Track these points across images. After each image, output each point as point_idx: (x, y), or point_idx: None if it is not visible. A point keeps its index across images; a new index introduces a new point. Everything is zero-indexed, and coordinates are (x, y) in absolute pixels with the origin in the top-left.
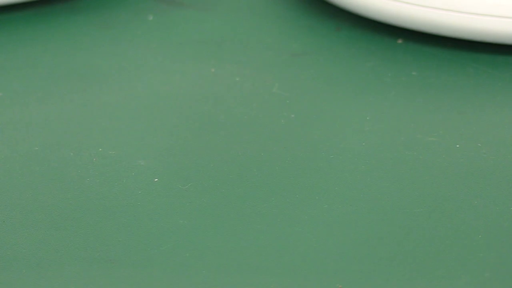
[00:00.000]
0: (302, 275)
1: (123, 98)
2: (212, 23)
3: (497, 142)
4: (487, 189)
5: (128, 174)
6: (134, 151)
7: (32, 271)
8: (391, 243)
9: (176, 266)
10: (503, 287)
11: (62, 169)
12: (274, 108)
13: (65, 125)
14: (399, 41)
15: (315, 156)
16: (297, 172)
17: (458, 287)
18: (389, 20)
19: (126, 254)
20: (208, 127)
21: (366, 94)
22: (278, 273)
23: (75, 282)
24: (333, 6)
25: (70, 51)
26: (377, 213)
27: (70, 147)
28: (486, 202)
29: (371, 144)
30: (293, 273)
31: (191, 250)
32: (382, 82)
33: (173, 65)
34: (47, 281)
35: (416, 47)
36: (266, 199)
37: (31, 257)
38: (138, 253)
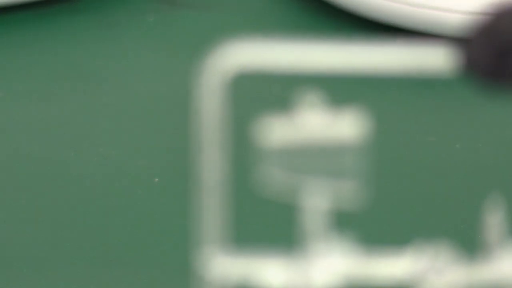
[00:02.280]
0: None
1: (123, 98)
2: (212, 23)
3: (497, 142)
4: (488, 189)
5: (128, 174)
6: (134, 151)
7: (32, 271)
8: (391, 243)
9: (176, 266)
10: None
11: (62, 169)
12: None
13: (65, 125)
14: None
15: None
16: None
17: None
18: (389, 20)
19: (126, 254)
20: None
21: (366, 94)
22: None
23: (75, 282)
24: (333, 6)
25: (70, 51)
26: (377, 213)
27: (70, 147)
28: (486, 202)
29: (371, 144)
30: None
31: (191, 250)
32: (382, 82)
33: (173, 65)
34: (47, 281)
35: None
36: (267, 199)
37: (31, 257)
38: (138, 253)
